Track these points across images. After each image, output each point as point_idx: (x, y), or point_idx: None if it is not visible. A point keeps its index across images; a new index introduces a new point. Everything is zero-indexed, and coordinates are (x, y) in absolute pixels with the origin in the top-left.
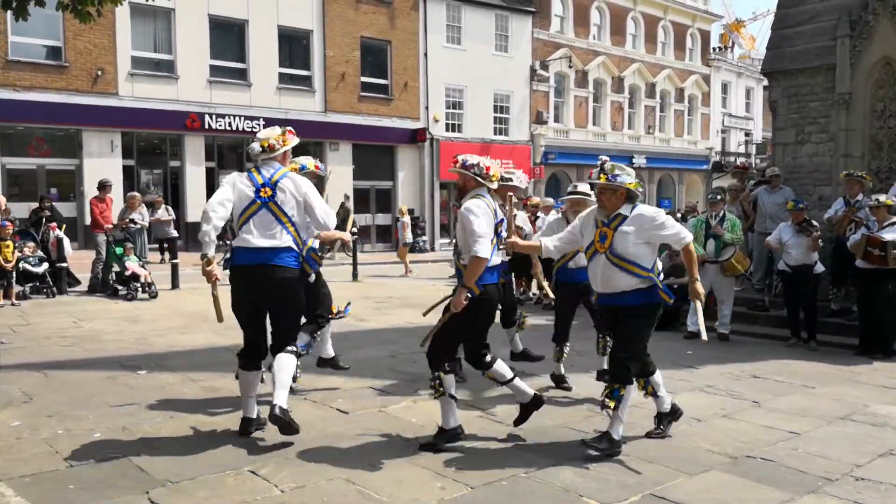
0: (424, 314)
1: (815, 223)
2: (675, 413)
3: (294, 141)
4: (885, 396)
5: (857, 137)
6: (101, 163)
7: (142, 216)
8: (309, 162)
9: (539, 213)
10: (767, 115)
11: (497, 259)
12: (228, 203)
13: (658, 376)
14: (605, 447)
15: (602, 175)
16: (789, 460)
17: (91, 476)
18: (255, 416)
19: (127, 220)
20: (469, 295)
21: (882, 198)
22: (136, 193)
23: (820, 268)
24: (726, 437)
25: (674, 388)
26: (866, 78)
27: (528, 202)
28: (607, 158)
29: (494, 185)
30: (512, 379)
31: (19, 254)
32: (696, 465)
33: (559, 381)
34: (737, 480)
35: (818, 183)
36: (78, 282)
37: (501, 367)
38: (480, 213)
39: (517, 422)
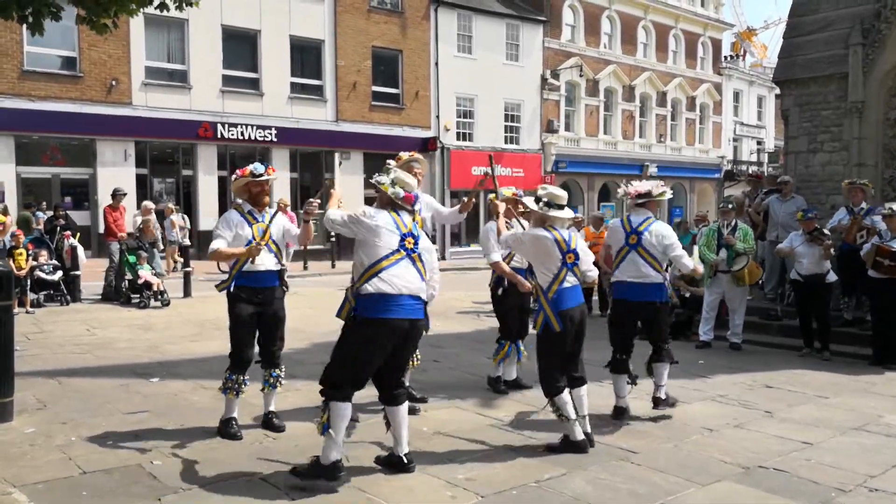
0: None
1: (826, 231)
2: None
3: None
4: None
5: (870, 146)
6: (115, 172)
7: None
8: (506, 191)
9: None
10: (780, 123)
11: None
12: None
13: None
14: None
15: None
16: (802, 471)
17: (104, 483)
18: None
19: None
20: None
21: (895, 206)
22: (149, 203)
23: (832, 277)
24: (738, 447)
25: (686, 398)
26: (879, 86)
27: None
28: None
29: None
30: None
31: (33, 262)
32: (707, 475)
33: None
34: (749, 491)
35: (831, 192)
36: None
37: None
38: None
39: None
